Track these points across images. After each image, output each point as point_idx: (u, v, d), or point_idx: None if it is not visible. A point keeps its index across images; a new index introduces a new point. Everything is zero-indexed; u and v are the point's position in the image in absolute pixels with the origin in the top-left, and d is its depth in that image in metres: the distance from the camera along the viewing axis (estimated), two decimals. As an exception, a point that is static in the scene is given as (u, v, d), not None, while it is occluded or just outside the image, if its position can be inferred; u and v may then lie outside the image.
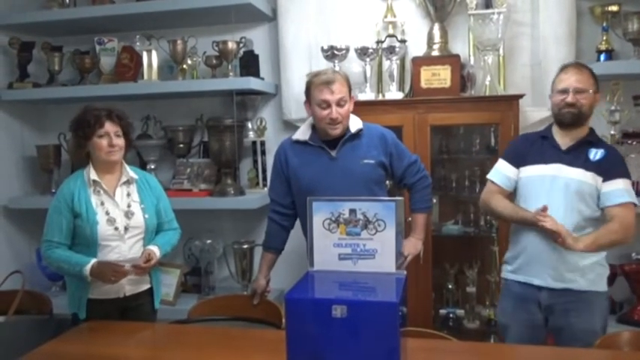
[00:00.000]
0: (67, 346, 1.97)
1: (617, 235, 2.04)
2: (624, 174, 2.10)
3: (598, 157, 2.10)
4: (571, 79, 2.11)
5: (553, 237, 2.02)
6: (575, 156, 2.12)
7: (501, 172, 2.26)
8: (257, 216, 3.05)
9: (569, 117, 2.11)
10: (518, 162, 2.23)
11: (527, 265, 2.17)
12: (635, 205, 2.08)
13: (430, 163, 2.72)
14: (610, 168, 2.08)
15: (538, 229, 2.07)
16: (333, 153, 2.24)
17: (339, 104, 2.17)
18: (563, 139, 2.16)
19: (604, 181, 2.07)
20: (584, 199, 2.08)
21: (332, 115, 2.16)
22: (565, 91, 2.11)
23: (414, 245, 2.27)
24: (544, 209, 2.03)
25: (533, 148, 2.20)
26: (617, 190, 2.06)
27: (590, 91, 2.11)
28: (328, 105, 2.16)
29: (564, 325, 2.11)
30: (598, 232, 2.05)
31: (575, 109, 2.10)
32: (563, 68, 2.18)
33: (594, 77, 2.14)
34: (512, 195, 2.26)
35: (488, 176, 2.30)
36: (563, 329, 2.12)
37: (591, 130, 2.18)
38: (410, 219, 2.35)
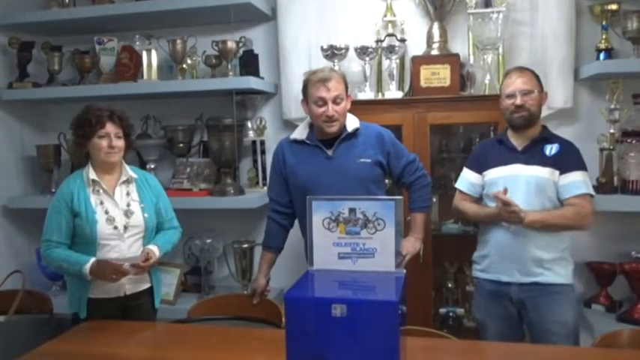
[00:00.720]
0: (68, 346, 1.97)
1: (569, 220, 2.13)
2: (580, 166, 2.19)
3: (554, 151, 2.19)
4: (516, 83, 2.22)
5: (506, 212, 2.09)
6: (530, 154, 2.22)
7: (466, 179, 2.38)
8: (257, 215, 3.05)
9: (521, 121, 2.22)
10: (479, 168, 2.33)
11: (496, 264, 2.25)
12: (591, 195, 2.17)
13: (430, 162, 2.73)
14: (566, 161, 2.17)
15: (503, 226, 2.19)
16: (330, 152, 2.25)
17: (335, 102, 2.18)
18: (518, 140, 2.26)
19: (561, 174, 2.15)
20: (545, 194, 2.16)
21: (328, 113, 2.17)
22: (513, 95, 2.21)
23: (412, 244, 2.28)
24: (504, 191, 2.11)
25: (492, 153, 2.31)
26: (575, 181, 2.14)
27: (536, 91, 2.21)
28: (324, 102, 2.18)
29: (536, 318, 2.18)
30: (549, 213, 2.14)
31: (525, 111, 2.20)
32: (507, 74, 2.30)
33: (537, 78, 2.25)
34: (479, 200, 2.36)
35: (456, 185, 2.43)
36: (535, 323, 2.19)
37: (544, 128, 2.29)
38: (409, 218, 2.35)
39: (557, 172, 2.16)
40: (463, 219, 2.68)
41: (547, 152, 2.20)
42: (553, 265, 2.18)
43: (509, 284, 2.21)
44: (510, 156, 2.25)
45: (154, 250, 2.21)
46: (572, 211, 2.13)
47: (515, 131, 2.27)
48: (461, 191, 2.38)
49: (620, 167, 2.65)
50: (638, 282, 2.65)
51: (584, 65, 2.80)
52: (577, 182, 2.14)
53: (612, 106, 2.70)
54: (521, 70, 2.28)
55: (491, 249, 2.25)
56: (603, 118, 2.74)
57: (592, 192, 2.17)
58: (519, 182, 2.18)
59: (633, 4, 2.71)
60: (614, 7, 2.73)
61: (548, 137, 2.25)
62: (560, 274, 2.19)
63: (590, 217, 2.15)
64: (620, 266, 2.70)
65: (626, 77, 2.69)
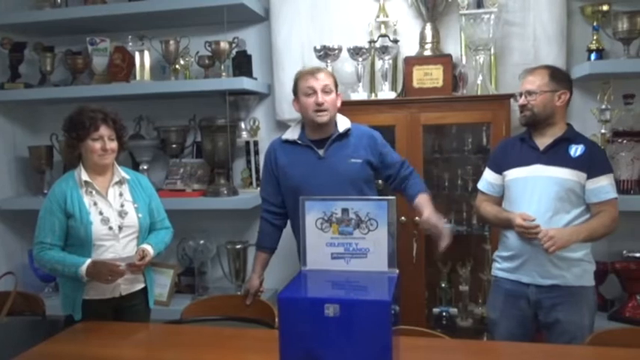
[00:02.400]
0: (61, 347, 1.96)
1: (608, 228, 2.13)
2: (608, 169, 2.17)
3: (579, 153, 2.15)
4: (523, 83, 2.22)
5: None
6: (553, 154, 2.17)
7: (486, 179, 2.36)
8: (250, 216, 3.05)
9: (524, 120, 2.22)
10: (499, 168, 2.30)
11: (517, 265, 2.21)
12: (617, 198, 2.15)
13: (423, 162, 2.74)
14: (593, 164, 2.13)
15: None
16: (321, 152, 2.26)
17: (324, 91, 2.21)
18: (540, 140, 2.22)
19: (589, 177, 2.12)
20: (567, 195, 2.13)
21: (318, 100, 2.19)
22: (520, 95, 2.21)
23: (437, 218, 2.17)
24: (530, 220, 2.09)
25: (513, 152, 2.27)
26: (604, 186, 2.12)
27: (541, 91, 2.16)
28: (314, 91, 2.21)
29: (553, 319, 2.16)
30: (591, 226, 2.11)
31: (527, 110, 2.19)
32: (522, 74, 2.28)
33: (552, 76, 2.18)
34: (501, 200, 2.33)
35: (477, 185, 2.40)
36: (551, 324, 2.17)
37: (569, 127, 2.24)
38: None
39: (583, 175, 2.11)
40: (484, 221, 2.64)
41: (572, 153, 2.15)
42: (574, 267, 2.14)
43: (527, 285, 2.18)
44: (531, 156, 2.20)
45: (149, 249, 2.21)
46: (609, 218, 2.10)
47: (534, 130, 2.23)
48: (481, 192, 2.36)
49: (611, 167, 2.67)
50: (629, 281, 2.68)
51: (575, 66, 2.82)
52: (606, 187, 2.11)
53: (603, 107, 2.73)
54: (533, 69, 2.24)
55: (513, 250, 2.21)
56: (594, 118, 2.77)
57: (617, 195, 2.16)
58: (540, 184, 2.15)
59: (624, 5, 2.73)
60: (605, 8, 2.75)
61: (571, 137, 2.18)
62: (581, 276, 2.15)
63: (618, 220, 2.14)
64: (611, 265, 2.72)
65: (617, 77, 2.72)
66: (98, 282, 2.11)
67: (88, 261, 2.08)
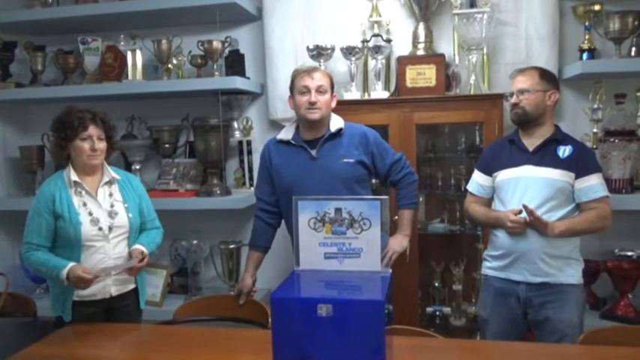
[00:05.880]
0: (52, 349, 1.95)
1: (593, 224, 2.15)
2: (596, 168, 2.20)
3: (567, 153, 2.18)
4: (515, 82, 2.25)
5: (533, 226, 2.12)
6: (542, 155, 2.20)
7: (475, 181, 2.38)
8: (243, 216, 3.04)
9: (515, 117, 2.24)
10: (489, 169, 2.33)
11: (507, 263, 2.23)
12: (608, 197, 2.17)
13: (416, 161, 2.74)
14: (582, 164, 2.16)
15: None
16: (314, 152, 2.26)
17: (318, 91, 2.22)
18: (530, 140, 2.25)
19: (577, 177, 2.15)
20: (556, 196, 2.15)
21: (311, 99, 2.21)
22: (511, 94, 2.23)
23: (399, 243, 2.28)
24: (519, 212, 2.13)
25: (503, 154, 2.30)
26: (593, 185, 2.15)
27: (534, 90, 2.19)
28: (308, 90, 2.22)
29: (542, 317, 2.18)
30: (575, 220, 2.15)
31: (519, 109, 2.21)
32: (512, 74, 2.30)
33: (542, 77, 2.22)
34: (490, 201, 2.35)
35: (467, 187, 2.42)
36: (541, 322, 2.19)
37: (557, 128, 2.27)
38: (396, 217, 2.36)
39: (571, 175, 2.14)
40: (473, 222, 2.65)
41: (560, 154, 2.18)
42: (563, 265, 2.16)
43: (518, 283, 2.20)
44: (521, 157, 2.23)
45: (144, 249, 2.20)
46: (595, 215, 2.13)
47: (524, 130, 2.25)
48: (471, 193, 2.38)
49: (603, 166, 2.67)
50: (621, 279, 2.69)
51: (567, 65, 2.83)
52: (595, 186, 2.14)
53: (595, 106, 2.74)
54: (524, 69, 2.27)
55: (503, 248, 2.23)
56: (586, 118, 2.78)
57: (608, 193, 2.18)
58: (529, 184, 2.17)
59: (615, 5, 2.74)
60: (596, 7, 2.77)
61: (560, 138, 2.21)
62: (570, 274, 2.17)
63: (610, 218, 2.16)
64: (603, 264, 2.73)
65: (609, 77, 2.73)
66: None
67: (70, 265, 2.05)
